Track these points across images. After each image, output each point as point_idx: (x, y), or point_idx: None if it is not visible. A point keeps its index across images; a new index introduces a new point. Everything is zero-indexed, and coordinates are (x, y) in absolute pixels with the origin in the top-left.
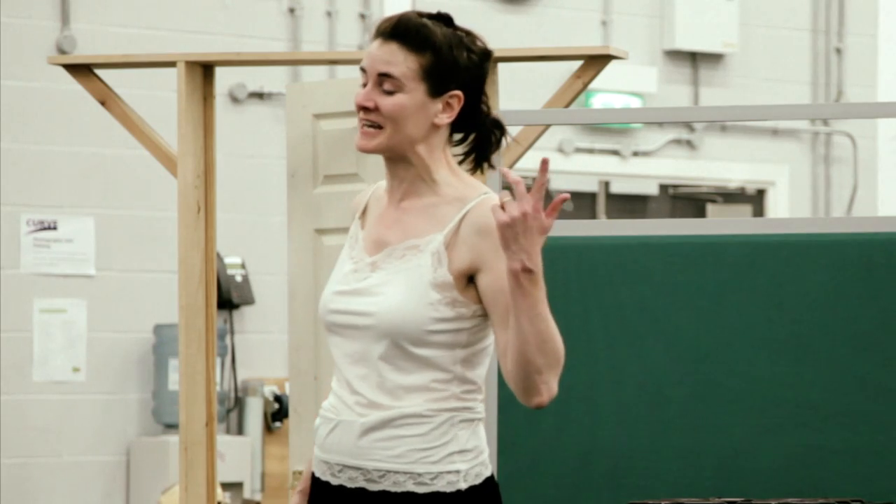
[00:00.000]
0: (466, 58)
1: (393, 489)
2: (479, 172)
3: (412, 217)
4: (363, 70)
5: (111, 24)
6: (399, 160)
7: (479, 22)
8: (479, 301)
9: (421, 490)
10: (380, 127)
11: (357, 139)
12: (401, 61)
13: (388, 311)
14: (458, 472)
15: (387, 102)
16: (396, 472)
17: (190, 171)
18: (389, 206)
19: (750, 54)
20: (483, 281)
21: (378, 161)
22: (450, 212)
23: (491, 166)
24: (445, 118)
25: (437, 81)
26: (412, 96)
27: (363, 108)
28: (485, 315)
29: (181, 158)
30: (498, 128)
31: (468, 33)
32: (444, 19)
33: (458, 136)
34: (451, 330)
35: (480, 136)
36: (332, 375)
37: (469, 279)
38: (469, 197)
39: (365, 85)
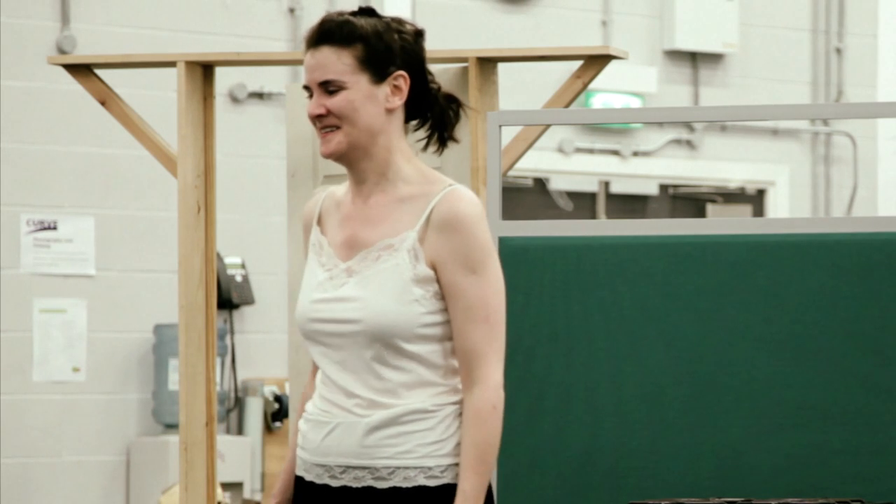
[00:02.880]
0: (399, 38)
1: (404, 485)
2: (445, 150)
3: (382, 214)
4: (306, 87)
5: (111, 24)
6: (361, 159)
7: (479, 22)
8: None
9: (433, 483)
10: (337, 127)
11: (321, 147)
12: (334, 61)
13: (374, 315)
14: None
15: (334, 102)
16: (406, 468)
17: (190, 171)
18: (355, 207)
19: (750, 54)
20: (440, 277)
21: None
22: (418, 207)
23: (456, 141)
24: (397, 101)
25: (376, 67)
26: (356, 88)
27: (316, 117)
28: None
29: (181, 158)
30: (453, 102)
31: (395, 19)
32: (368, 12)
33: (415, 122)
34: (440, 322)
35: (437, 114)
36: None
37: None
38: (434, 192)
39: (311, 98)
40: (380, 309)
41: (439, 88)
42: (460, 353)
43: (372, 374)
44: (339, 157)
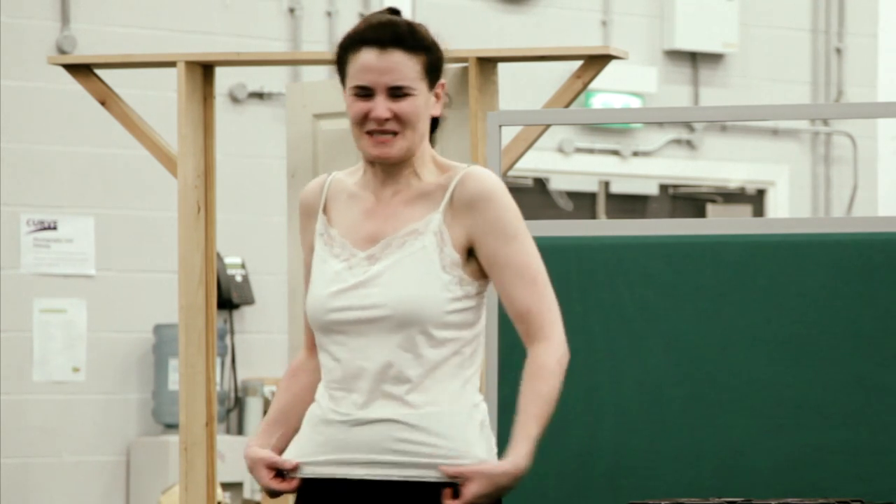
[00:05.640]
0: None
1: (423, 480)
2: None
3: (405, 206)
4: (363, 87)
5: (111, 24)
6: (406, 161)
7: (479, 22)
8: (479, 277)
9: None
10: (395, 133)
11: (373, 149)
12: (409, 67)
13: (402, 300)
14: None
15: (403, 108)
16: (426, 467)
17: (190, 171)
18: (381, 203)
19: (750, 54)
20: (479, 253)
21: None
22: (439, 193)
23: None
24: (439, 108)
25: (433, 76)
26: (421, 97)
27: (382, 120)
28: (480, 294)
29: (181, 158)
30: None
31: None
32: (398, 14)
33: None
34: (462, 309)
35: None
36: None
37: (469, 253)
38: (451, 176)
39: (366, 97)
40: (407, 293)
41: None
42: (518, 317)
43: (395, 363)
44: (395, 160)
